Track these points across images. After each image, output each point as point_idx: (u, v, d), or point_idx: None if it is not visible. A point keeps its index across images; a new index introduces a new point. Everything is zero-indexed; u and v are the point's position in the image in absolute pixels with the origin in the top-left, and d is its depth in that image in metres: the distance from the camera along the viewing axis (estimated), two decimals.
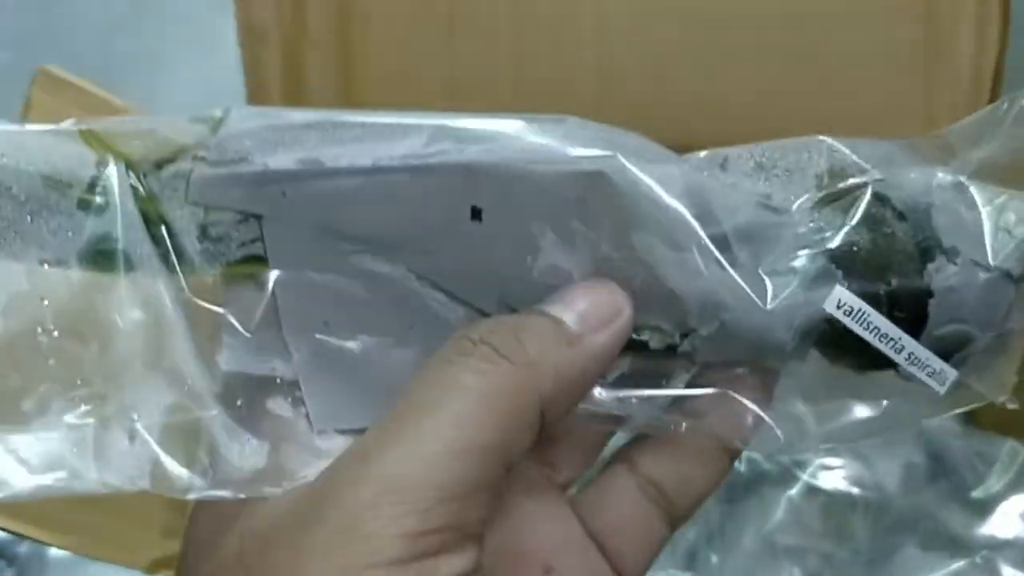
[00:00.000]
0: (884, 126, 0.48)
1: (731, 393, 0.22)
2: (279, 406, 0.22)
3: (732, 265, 0.21)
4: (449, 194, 0.21)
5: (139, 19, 0.76)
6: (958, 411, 0.24)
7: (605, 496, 0.23)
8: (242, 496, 0.20)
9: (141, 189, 0.20)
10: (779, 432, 0.23)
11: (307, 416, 0.22)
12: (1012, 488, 0.43)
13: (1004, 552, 0.41)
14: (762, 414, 0.22)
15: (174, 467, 0.20)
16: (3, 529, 0.37)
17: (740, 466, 0.44)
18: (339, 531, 0.18)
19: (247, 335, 0.21)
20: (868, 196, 0.22)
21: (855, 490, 0.43)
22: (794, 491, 0.43)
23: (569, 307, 0.21)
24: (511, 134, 0.21)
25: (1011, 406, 0.23)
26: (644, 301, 0.21)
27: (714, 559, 0.42)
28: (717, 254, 0.21)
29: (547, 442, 0.23)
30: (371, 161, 0.20)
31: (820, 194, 0.22)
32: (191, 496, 0.20)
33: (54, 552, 0.56)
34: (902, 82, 0.48)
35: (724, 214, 0.21)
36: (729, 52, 0.48)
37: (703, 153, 0.23)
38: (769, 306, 0.21)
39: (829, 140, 0.23)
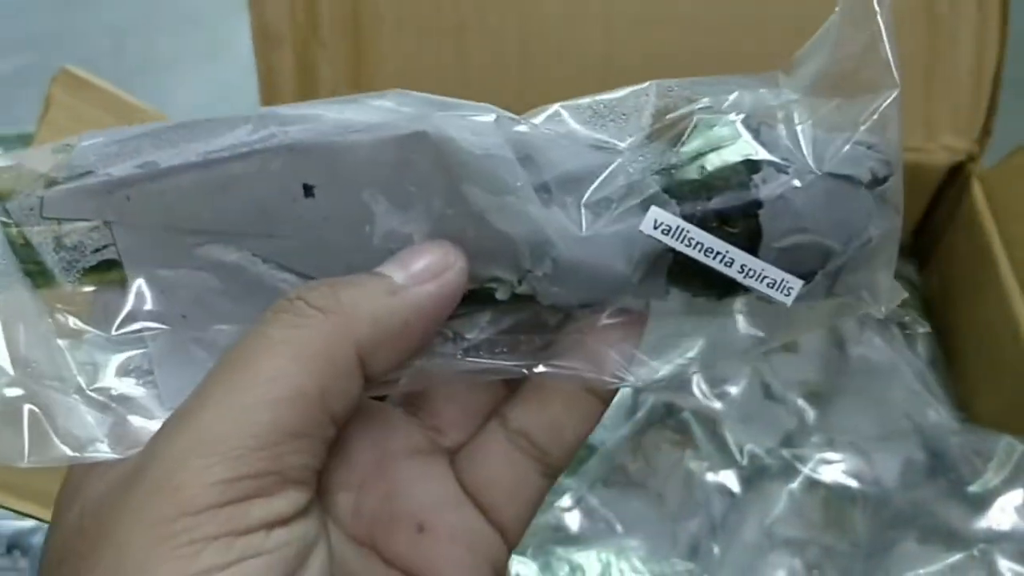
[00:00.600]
0: None
1: (588, 337, 0.23)
2: (131, 388, 0.22)
3: (553, 205, 0.21)
4: (279, 175, 0.21)
5: (152, 22, 0.77)
6: (839, 319, 0.24)
7: (478, 452, 0.24)
8: (79, 457, 0.21)
9: (4, 217, 0.22)
10: (631, 377, 0.23)
11: (158, 396, 0.22)
12: (1008, 483, 0.43)
13: (1001, 545, 0.42)
14: (618, 358, 0.22)
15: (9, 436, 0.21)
16: (9, 508, 0.37)
17: (742, 460, 0.44)
18: (154, 487, 0.19)
19: (105, 336, 0.22)
20: (693, 124, 0.22)
21: (855, 484, 0.44)
22: (795, 484, 0.43)
23: (401, 267, 0.22)
24: (332, 114, 0.21)
25: (879, 316, 0.23)
26: (480, 252, 0.22)
27: (716, 550, 0.42)
28: (533, 195, 0.21)
29: (430, 406, 0.24)
30: (201, 156, 0.21)
31: (650, 130, 0.22)
32: (25, 464, 0.21)
33: None
34: (904, 87, 0.49)
35: (545, 161, 0.22)
36: (730, 54, 0.49)
37: (542, 114, 0.23)
38: (584, 233, 0.21)
39: (664, 81, 0.23)
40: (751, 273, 0.22)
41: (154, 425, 0.21)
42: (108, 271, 0.22)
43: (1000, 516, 0.43)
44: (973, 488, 0.44)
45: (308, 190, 0.22)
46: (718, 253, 0.21)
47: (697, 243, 0.21)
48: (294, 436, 0.20)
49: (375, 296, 0.21)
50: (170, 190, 0.21)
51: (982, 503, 0.43)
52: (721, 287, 0.22)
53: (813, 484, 0.44)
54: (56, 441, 0.21)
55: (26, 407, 0.21)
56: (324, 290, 0.21)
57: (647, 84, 0.23)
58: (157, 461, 0.19)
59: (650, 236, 0.21)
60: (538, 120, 0.23)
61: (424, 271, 0.21)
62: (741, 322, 0.24)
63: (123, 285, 0.22)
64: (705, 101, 0.22)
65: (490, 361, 0.23)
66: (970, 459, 0.45)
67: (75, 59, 0.45)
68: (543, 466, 0.24)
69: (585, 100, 0.23)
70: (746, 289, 0.22)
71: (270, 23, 0.49)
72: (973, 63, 0.48)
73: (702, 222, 0.21)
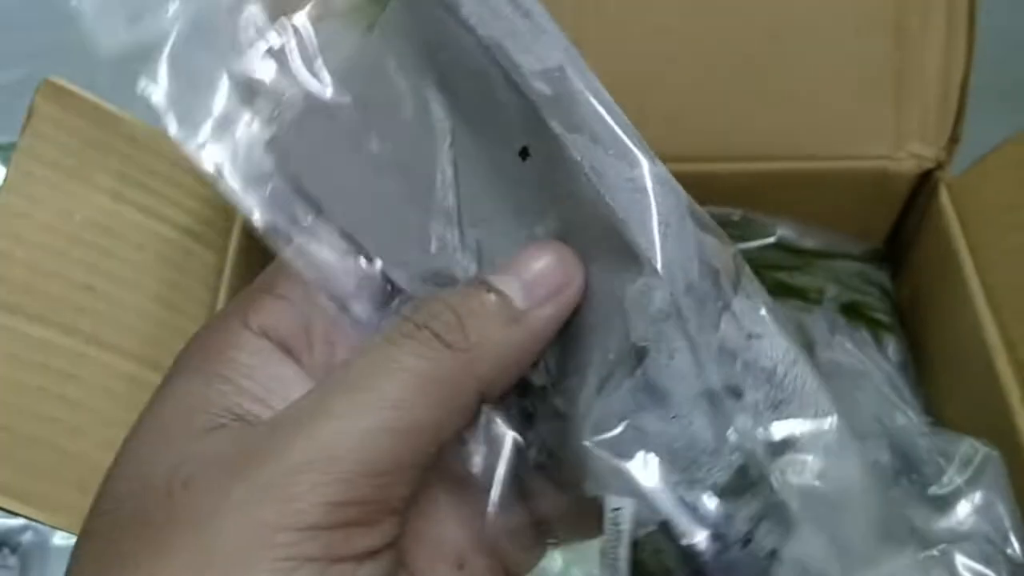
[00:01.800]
0: (854, 140, 0.50)
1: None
2: None
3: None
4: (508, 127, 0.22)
5: None
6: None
7: None
8: None
9: None
10: None
11: None
12: (969, 485, 0.44)
13: (961, 545, 0.42)
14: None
15: None
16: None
17: None
18: (263, 489, 0.19)
19: None
20: None
21: (818, 484, 0.44)
22: None
23: (517, 276, 0.21)
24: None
25: None
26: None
27: None
28: None
29: None
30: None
31: None
32: None
33: (56, 541, 0.58)
34: (872, 96, 0.50)
35: None
36: (701, 68, 0.49)
37: None
38: None
39: None
40: None
41: None
42: None
43: (960, 517, 0.43)
44: (936, 489, 0.44)
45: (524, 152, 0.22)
46: None
47: None
48: (403, 467, 0.20)
49: (498, 328, 0.21)
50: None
51: (944, 504, 0.44)
52: None
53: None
54: None
55: None
56: (451, 321, 0.21)
57: None
58: (272, 463, 0.19)
59: None
60: None
61: (544, 289, 0.21)
62: None
63: None
64: None
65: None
66: (934, 461, 0.45)
67: (71, 71, 0.46)
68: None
69: None
70: None
71: None
72: (941, 70, 0.49)
73: None
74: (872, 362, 0.50)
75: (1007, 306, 0.45)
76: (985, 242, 0.47)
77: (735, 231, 0.52)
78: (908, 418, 0.49)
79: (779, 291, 0.50)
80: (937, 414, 0.50)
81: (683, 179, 0.50)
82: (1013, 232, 0.45)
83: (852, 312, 0.51)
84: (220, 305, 0.47)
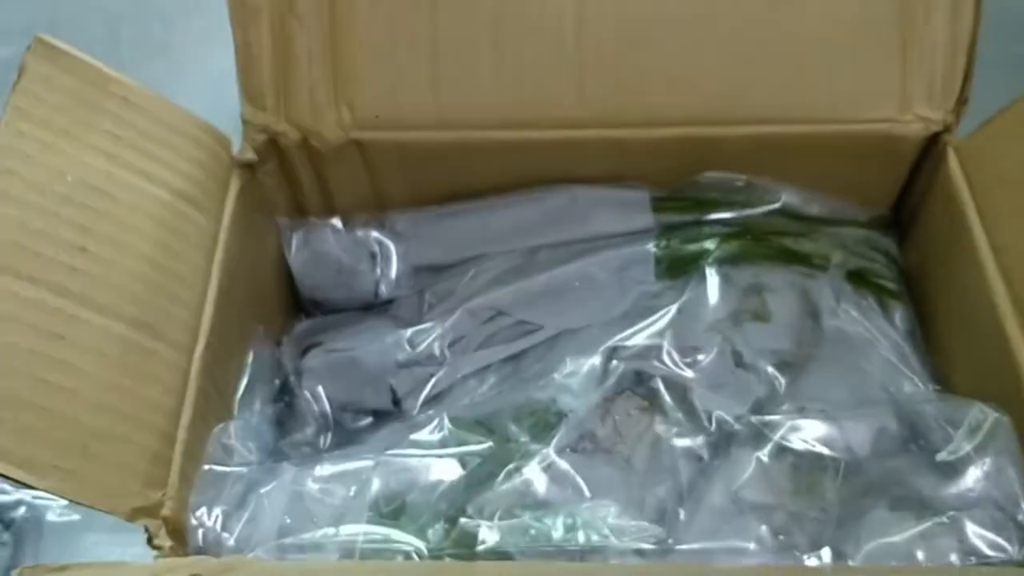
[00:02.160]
0: (860, 103, 0.49)
1: None
2: None
3: None
4: None
5: (147, 8, 0.78)
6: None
7: None
8: None
9: None
10: None
11: None
12: (978, 451, 0.43)
13: (970, 512, 0.41)
14: None
15: None
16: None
17: (711, 427, 0.44)
18: None
19: None
20: None
21: (825, 452, 0.44)
22: (764, 451, 0.43)
23: None
24: None
25: None
26: None
27: (682, 515, 0.42)
28: None
29: None
30: None
31: None
32: None
33: (50, 518, 0.57)
34: (878, 58, 0.49)
35: None
36: (705, 31, 0.49)
37: None
38: None
39: None
40: None
41: None
42: None
43: (970, 484, 0.42)
44: (944, 456, 0.43)
45: None
46: None
47: None
48: None
49: None
50: None
51: (953, 471, 0.43)
52: None
53: (782, 451, 0.43)
54: None
55: None
56: None
57: None
58: None
59: None
60: None
61: None
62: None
63: None
64: None
65: None
66: (942, 428, 0.44)
67: (70, 45, 0.45)
68: None
69: None
70: None
71: None
72: (948, 32, 0.48)
73: None
74: (879, 330, 0.49)
75: (1017, 268, 0.44)
76: (994, 204, 0.46)
77: (740, 197, 0.51)
78: (916, 386, 0.48)
79: (784, 257, 0.50)
80: (945, 382, 0.49)
81: (687, 144, 0.50)
82: (1022, 193, 0.44)
83: (858, 279, 0.50)
84: (215, 270, 0.46)
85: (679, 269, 0.49)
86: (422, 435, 0.46)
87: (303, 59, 0.50)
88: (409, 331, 0.50)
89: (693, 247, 0.49)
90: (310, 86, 0.50)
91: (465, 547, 0.42)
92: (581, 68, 0.49)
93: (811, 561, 0.41)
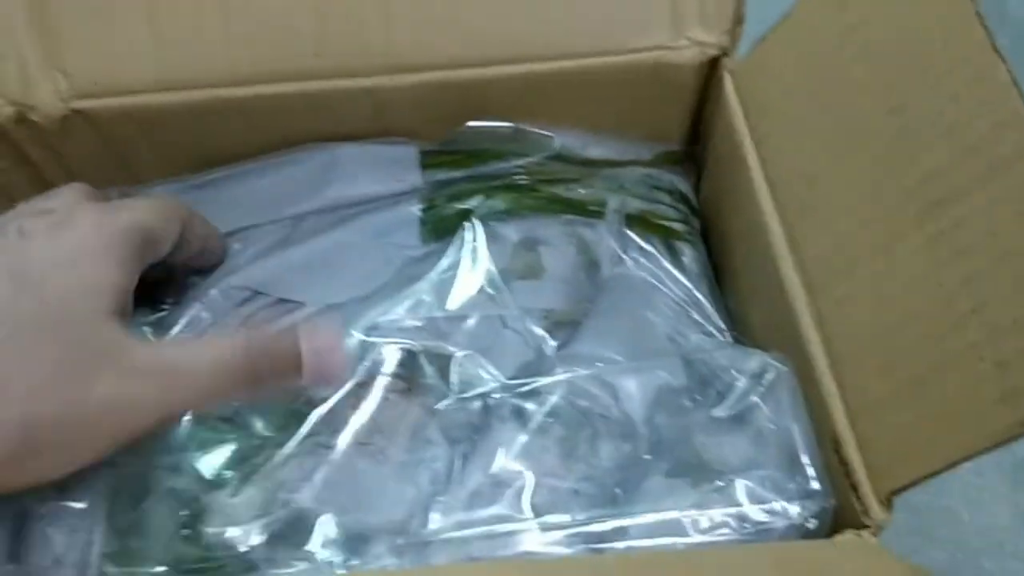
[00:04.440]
0: (628, 31, 0.45)
1: None
2: None
3: None
4: None
5: None
6: None
7: None
8: None
9: None
10: None
11: None
12: (760, 404, 0.40)
13: (748, 473, 0.38)
14: None
15: None
16: None
17: (473, 402, 0.40)
18: None
19: None
20: None
21: (598, 419, 0.40)
22: (528, 423, 0.40)
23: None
24: None
25: None
26: None
27: (440, 505, 0.39)
28: None
29: None
30: None
31: None
32: None
33: None
34: None
35: None
36: None
37: None
38: None
39: None
40: None
41: None
42: None
43: (749, 441, 0.39)
44: (723, 412, 0.40)
45: None
46: None
47: None
48: None
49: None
50: None
51: (731, 428, 0.40)
52: None
53: (548, 420, 0.40)
54: None
55: None
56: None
57: None
58: None
59: None
60: None
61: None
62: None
63: None
64: None
65: None
66: (725, 381, 0.41)
67: None
68: None
69: None
70: None
71: None
72: None
73: None
74: (666, 275, 0.45)
75: (791, 203, 0.41)
76: (768, 134, 0.42)
77: (513, 145, 0.47)
78: (707, 334, 0.45)
79: (557, 207, 0.45)
80: (742, 328, 0.46)
81: (445, 91, 0.45)
82: (793, 119, 0.41)
83: (641, 223, 0.46)
84: None
85: (445, 230, 0.45)
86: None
87: (4, 23, 0.44)
88: (153, 317, 0.45)
89: (459, 205, 0.45)
90: (17, 54, 0.44)
91: (214, 559, 0.39)
92: (318, 13, 0.44)
93: (576, 543, 0.37)
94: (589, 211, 0.45)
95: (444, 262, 0.43)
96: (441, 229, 0.45)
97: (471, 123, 0.46)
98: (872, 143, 0.37)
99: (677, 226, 0.47)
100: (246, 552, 0.38)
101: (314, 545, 0.38)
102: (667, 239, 0.47)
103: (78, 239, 0.35)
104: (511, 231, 0.45)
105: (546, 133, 0.46)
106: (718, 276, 0.48)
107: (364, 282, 0.44)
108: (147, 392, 0.34)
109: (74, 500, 0.40)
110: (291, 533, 0.39)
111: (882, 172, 0.36)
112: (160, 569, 0.38)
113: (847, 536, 0.36)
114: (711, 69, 0.46)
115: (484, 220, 0.44)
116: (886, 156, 0.36)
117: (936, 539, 0.59)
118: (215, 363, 0.35)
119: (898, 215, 0.36)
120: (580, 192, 0.46)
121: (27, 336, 0.33)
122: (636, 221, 0.46)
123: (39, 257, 0.35)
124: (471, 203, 0.45)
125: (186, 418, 0.41)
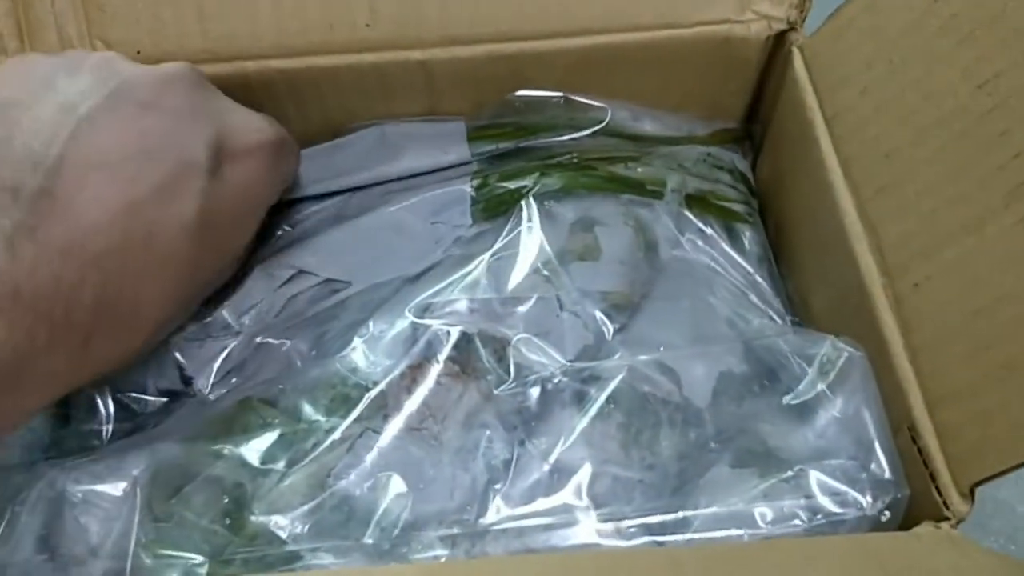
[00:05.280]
0: (693, 4, 0.43)
1: None
2: None
3: None
4: None
5: None
6: None
7: None
8: None
9: None
10: None
11: None
12: (831, 392, 0.38)
13: (820, 464, 0.37)
14: None
15: None
16: None
17: (532, 388, 0.39)
18: None
19: None
20: None
21: (660, 406, 0.39)
22: (589, 409, 0.38)
23: None
24: None
25: None
26: None
27: (499, 493, 0.37)
28: None
29: None
30: None
31: None
32: None
33: None
34: None
35: None
36: None
37: None
38: None
39: None
40: None
41: None
42: None
43: (820, 430, 0.38)
44: (791, 400, 0.39)
45: None
46: None
47: None
48: None
49: None
50: None
51: (802, 417, 0.38)
52: None
53: (610, 408, 0.38)
54: None
55: None
56: None
57: None
58: None
59: None
60: None
61: None
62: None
63: None
64: None
65: None
66: (792, 368, 0.39)
67: None
68: None
69: None
70: None
71: None
72: None
73: None
74: (725, 258, 0.44)
75: (867, 183, 0.39)
76: (842, 110, 0.40)
77: (562, 118, 0.45)
78: (768, 318, 0.43)
79: (614, 186, 0.44)
80: (803, 312, 0.45)
81: (500, 63, 0.44)
82: (870, 95, 0.39)
83: (700, 203, 0.44)
84: None
85: (497, 209, 0.43)
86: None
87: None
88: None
89: (512, 183, 0.43)
90: (57, 21, 0.43)
91: (257, 548, 0.37)
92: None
93: (638, 535, 0.36)
94: (648, 191, 0.44)
95: (499, 243, 0.42)
96: (493, 208, 0.43)
97: (521, 92, 0.44)
98: (958, 119, 0.35)
99: (737, 207, 0.45)
100: (290, 541, 0.37)
101: (362, 533, 0.37)
102: (727, 221, 0.45)
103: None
104: (567, 211, 0.43)
105: (599, 103, 0.44)
106: (776, 259, 0.47)
107: (413, 262, 0.43)
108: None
109: (110, 485, 0.38)
110: (339, 521, 0.37)
111: (969, 150, 0.34)
112: (198, 559, 0.37)
113: (927, 528, 0.34)
114: (776, 44, 0.44)
115: (538, 199, 0.43)
116: (973, 133, 0.34)
117: (990, 530, 0.57)
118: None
119: (986, 194, 0.34)
120: (638, 171, 0.44)
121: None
122: (695, 202, 0.44)
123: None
124: (525, 182, 0.43)
125: (227, 401, 0.40)
